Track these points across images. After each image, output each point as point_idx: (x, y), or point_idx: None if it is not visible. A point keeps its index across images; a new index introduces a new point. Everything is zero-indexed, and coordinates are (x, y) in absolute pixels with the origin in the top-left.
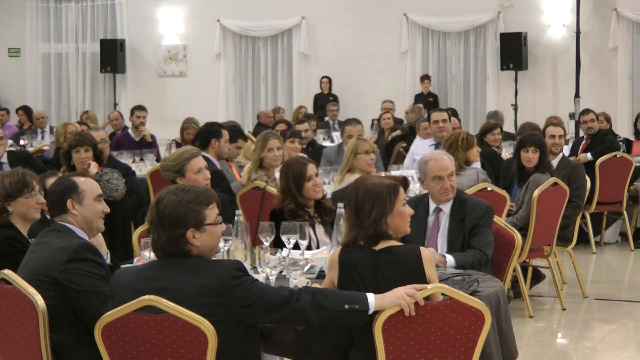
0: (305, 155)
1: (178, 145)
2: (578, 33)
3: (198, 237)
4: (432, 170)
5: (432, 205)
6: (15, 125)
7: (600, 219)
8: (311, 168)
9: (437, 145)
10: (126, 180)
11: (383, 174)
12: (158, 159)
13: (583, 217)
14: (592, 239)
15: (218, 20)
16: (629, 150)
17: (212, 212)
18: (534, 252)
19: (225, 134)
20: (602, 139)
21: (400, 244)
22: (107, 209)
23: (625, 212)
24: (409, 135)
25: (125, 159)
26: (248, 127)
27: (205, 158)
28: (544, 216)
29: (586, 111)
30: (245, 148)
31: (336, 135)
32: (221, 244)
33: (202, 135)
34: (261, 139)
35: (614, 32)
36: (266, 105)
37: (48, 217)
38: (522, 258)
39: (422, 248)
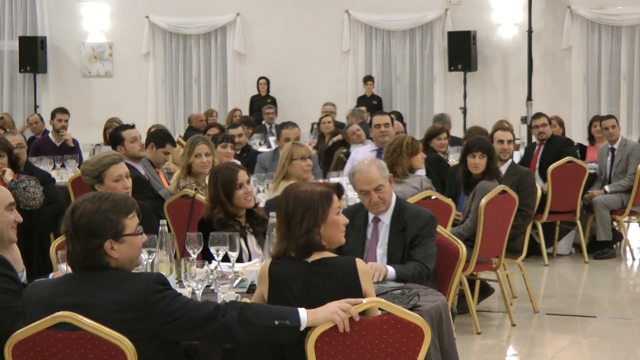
0: (237, 161)
1: (101, 149)
2: (530, 32)
3: (117, 248)
4: (357, 184)
5: (371, 215)
6: None
7: (552, 229)
8: (242, 175)
9: (379, 151)
10: (44, 188)
11: (321, 180)
12: (80, 165)
13: (534, 227)
14: (544, 251)
15: (147, 17)
16: (583, 156)
17: (131, 222)
18: (481, 265)
19: (128, 134)
20: (558, 147)
21: (334, 255)
22: (20, 218)
23: (579, 222)
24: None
25: (45, 165)
26: (179, 131)
27: (127, 164)
28: (491, 226)
29: (538, 115)
30: (174, 153)
31: (273, 140)
32: (144, 256)
33: (111, 144)
34: (189, 144)
35: (568, 31)
36: (198, 107)
37: None
38: (469, 271)
39: (357, 259)
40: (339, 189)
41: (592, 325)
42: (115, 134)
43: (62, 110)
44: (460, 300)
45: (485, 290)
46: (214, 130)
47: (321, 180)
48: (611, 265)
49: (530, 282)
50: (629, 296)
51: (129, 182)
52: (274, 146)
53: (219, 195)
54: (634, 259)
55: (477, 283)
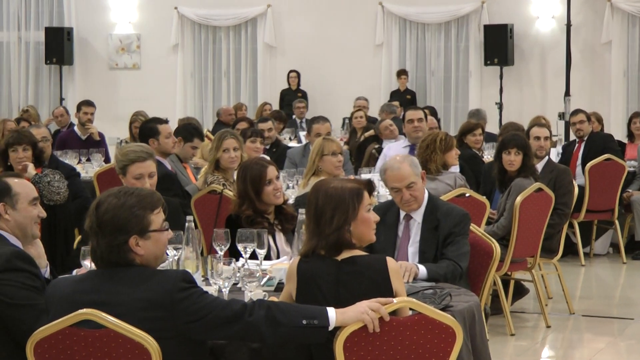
0: (266, 157)
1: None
2: (569, 26)
3: (142, 244)
4: (389, 180)
5: (402, 212)
6: None
7: (590, 228)
8: (271, 170)
9: (412, 147)
10: (69, 183)
11: (352, 177)
12: (106, 160)
13: (571, 226)
14: (581, 251)
15: (175, 8)
16: (622, 153)
17: (157, 218)
18: (516, 264)
19: (164, 128)
20: (603, 144)
21: (365, 253)
22: (43, 213)
23: (617, 222)
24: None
25: (70, 159)
26: (207, 125)
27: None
28: (527, 225)
29: (576, 112)
30: (203, 148)
31: (304, 135)
32: (171, 253)
33: (140, 138)
34: (217, 138)
35: (608, 25)
36: (227, 101)
37: None
38: (503, 270)
39: (388, 258)
40: (369, 186)
41: (629, 328)
42: (149, 126)
43: (88, 103)
44: (493, 301)
45: (520, 291)
46: (242, 125)
47: (352, 177)
48: None
49: (566, 282)
50: None
51: (150, 182)
52: (304, 141)
53: (247, 191)
54: None
55: (512, 283)
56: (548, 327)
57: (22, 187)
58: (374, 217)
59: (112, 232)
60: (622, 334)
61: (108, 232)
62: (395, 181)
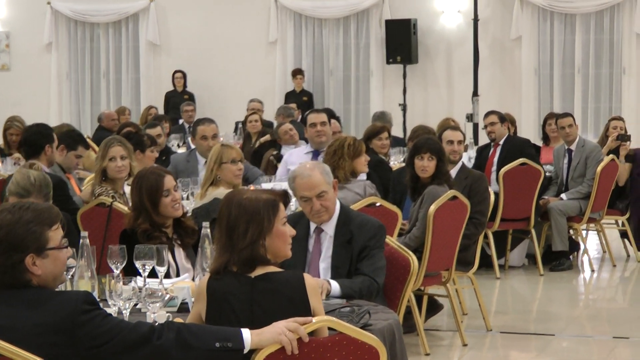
0: (160, 166)
1: (2, 154)
2: (476, 20)
3: (39, 264)
4: (298, 189)
5: (312, 225)
6: None
7: (504, 238)
8: (169, 180)
9: (315, 153)
10: None
11: (252, 187)
12: None
13: (485, 236)
14: (496, 262)
15: (48, 3)
16: (537, 158)
17: (55, 234)
18: (430, 279)
19: (56, 137)
20: (520, 148)
21: (280, 269)
22: None
23: (533, 231)
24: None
25: None
26: (86, 131)
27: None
28: (441, 235)
29: (489, 113)
30: (86, 157)
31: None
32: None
33: (33, 140)
34: (102, 146)
35: (517, 19)
36: (107, 104)
37: None
38: (416, 285)
39: (306, 275)
40: (285, 197)
41: (550, 345)
42: (50, 132)
43: None
44: (406, 318)
45: (434, 307)
46: (129, 130)
47: (252, 187)
48: (568, 278)
49: (482, 297)
50: (589, 312)
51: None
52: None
53: (143, 203)
54: (592, 270)
55: (425, 299)
56: (464, 345)
57: None
58: (290, 231)
59: (6, 250)
60: (543, 352)
61: (2, 251)
62: (305, 189)
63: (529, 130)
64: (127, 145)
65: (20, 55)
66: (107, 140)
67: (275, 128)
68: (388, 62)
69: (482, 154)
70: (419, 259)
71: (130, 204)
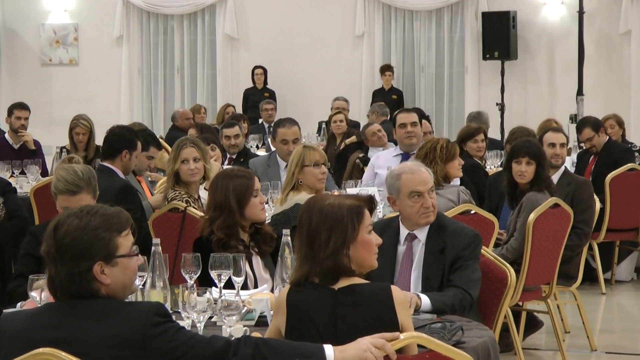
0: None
1: (69, 153)
2: (581, 13)
3: (108, 272)
4: (408, 184)
5: (404, 232)
6: None
7: (611, 250)
8: (257, 182)
9: (404, 156)
10: (4, 200)
11: (336, 192)
12: (44, 172)
13: (590, 248)
14: (601, 276)
15: None
16: None
17: (125, 241)
18: (528, 293)
19: (139, 146)
20: (616, 156)
21: (365, 281)
22: None
23: None
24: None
25: (1, 172)
26: (159, 131)
27: (108, 169)
28: (541, 247)
29: (582, 125)
30: (159, 158)
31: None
32: (135, 282)
33: (111, 141)
34: (174, 147)
35: (627, 12)
36: (182, 102)
37: None
38: (514, 300)
39: (393, 287)
40: (370, 203)
41: None
42: (132, 137)
43: (22, 106)
44: (502, 336)
45: (533, 324)
46: (192, 132)
47: (336, 192)
48: None
49: (586, 314)
50: None
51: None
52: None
53: (228, 203)
54: None
55: (523, 315)
56: None
57: None
58: (376, 240)
59: (73, 258)
60: None
61: (68, 259)
62: (417, 184)
63: (638, 133)
64: (200, 146)
65: (89, 50)
66: (179, 142)
67: (362, 128)
68: (484, 58)
69: (582, 159)
70: (517, 271)
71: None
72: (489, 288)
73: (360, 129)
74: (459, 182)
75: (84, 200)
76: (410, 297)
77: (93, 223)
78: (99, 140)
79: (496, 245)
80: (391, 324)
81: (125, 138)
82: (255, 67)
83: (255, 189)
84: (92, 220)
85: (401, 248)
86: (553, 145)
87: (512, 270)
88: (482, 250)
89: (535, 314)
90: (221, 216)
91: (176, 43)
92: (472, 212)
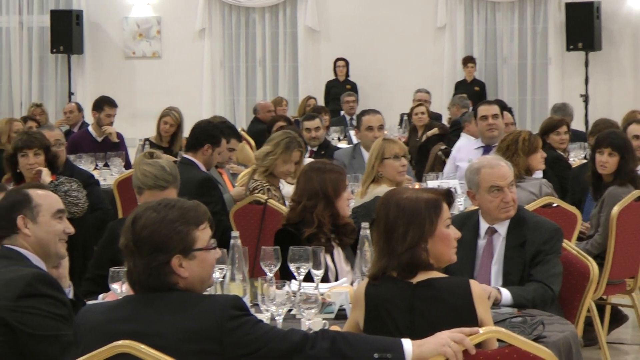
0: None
1: (153, 146)
2: None
3: (186, 265)
4: (487, 179)
5: (484, 226)
6: None
7: None
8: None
9: (485, 149)
10: (88, 192)
11: (417, 185)
12: (127, 165)
13: None
14: None
15: None
16: None
17: (203, 234)
18: (613, 287)
19: (224, 143)
20: None
21: (444, 275)
22: (71, 229)
23: None
24: (449, 134)
25: (85, 164)
26: (240, 123)
27: (190, 161)
28: (625, 240)
29: None
30: (239, 150)
31: (354, 133)
32: (215, 275)
33: (195, 134)
34: (283, 145)
35: None
36: (263, 94)
37: None
38: (598, 294)
39: (472, 281)
40: (449, 196)
41: None
42: (216, 133)
43: (112, 104)
44: (586, 330)
45: (617, 318)
46: (280, 125)
47: (417, 185)
48: None
49: None
50: None
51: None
52: (355, 140)
53: (327, 193)
54: None
55: (608, 309)
56: None
57: (45, 199)
58: (455, 234)
59: (151, 251)
60: None
61: (146, 252)
62: (497, 178)
63: None
64: (303, 150)
65: (171, 42)
66: (289, 142)
67: (465, 116)
68: (568, 49)
69: None
70: (601, 265)
71: (284, 200)
72: (570, 282)
73: (460, 118)
74: (541, 175)
75: (172, 195)
76: (489, 291)
77: (170, 216)
78: (185, 133)
79: (579, 239)
80: (470, 319)
81: (209, 133)
82: (337, 59)
83: (346, 184)
84: (170, 213)
85: (481, 242)
86: (637, 137)
87: (594, 263)
88: (563, 244)
89: (620, 307)
90: (318, 205)
91: (258, 36)
92: (555, 204)
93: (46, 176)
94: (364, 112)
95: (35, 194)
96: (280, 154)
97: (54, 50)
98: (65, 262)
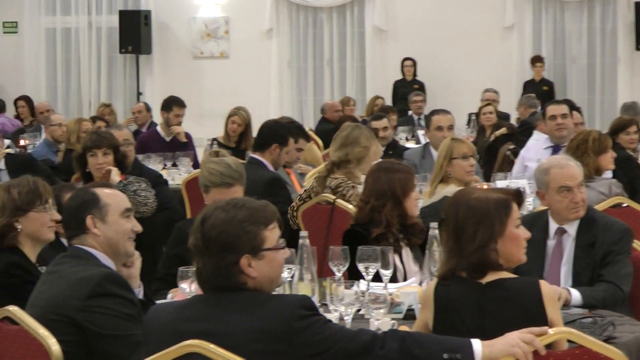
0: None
1: (221, 145)
2: None
3: (255, 265)
4: (556, 179)
5: (553, 226)
6: (11, 120)
7: None
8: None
9: (554, 148)
10: (156, 192)
11: (486, 185)
12: (195, 165)
13: None
14: None
15: None
16: None
17: (272, 234)
18: None
19: (292, 143)
20: None
21: (513, 276)
22: (139, 227)
23: None
24: (517, 134)
25: (153, 164)
26: (309, 124)
27: (258, 161)
28: None
29: None
30: (307, 150)
31: (422, 133)
32: (283, 275)
33: (265, 135)
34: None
35: None
36: (331, 94)
37: (62, 240)
38: None
39: (542, 281)
40: (518, 196)
41: None
42: (284, 133)
43: (181, 104)
44: None
45: None
46: (348, 124)
47: (485, 185)
48: None
49: None
50: None
51: None
52: (423, 141)
53: (395, 193)
54: None
55: None
56: None
57: (113, 197)
58: (524, 234)
59: (220, 251)
60: None
61: (215, 252)
62: (567, 179)
63: None
64: None
65: (239, 42)
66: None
67: (538, 115)
68: (637, 49)
69: None
70: None
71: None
72: None
73: (530, 118)
74: (611, 175)
75: (238, 193)
76: (560, 292)
77: (239, 216)
78: (253, 133)
79: None
80: (539, 319)
81: (277, 133)
82: (405, 59)
83: (414, 184)
84: (239, 213)
85: (551, 242)
86: None
87: None
88: (634, 244)
89: None
90: (386, 205)
91: (325, 35)
92: (624, 205)
93: (115, 176)
94: (434, 112)
95: (103, 193)
96: (372, 146)
97: (123, 50)
98: (138, 263)
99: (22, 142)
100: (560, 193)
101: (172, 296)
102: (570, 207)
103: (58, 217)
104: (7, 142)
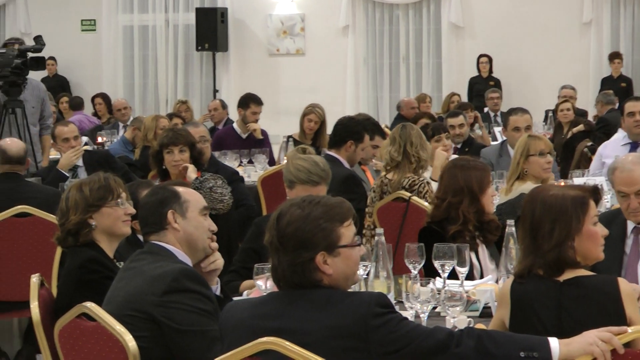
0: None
1: (297, 143)
2: None
3: (330, 262)
4: (617, 182)
5: (630, 224)
6: (88, 117)
7: None
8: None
9: (633, 145)
10: (232, 189)
11: (562, 182)
12: (271, 162)
13: None
14: None
15: None
16: None
17: (348, 231)
18: None
19: (367, 139)
20: None
21: (591, 273)
22: (214, 227)
23: None
24: (595, 131)
25: (229, 161)
26: (385, 120)
27: (333, 158)
28: None
29: None
30: (383, 147)
31: (499, 130)
32: (359, 272)
33: (340, 132)
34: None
35: None
36: (407, 91)
37: (138, 236)
38: None
39: (620, 279)
40: (596, 193)
41: None
42: (359, 130)
43: (259, 102)
44: None
45: None
46: (423, 122)
47: (562, 182)
48: None
49: None
50: None
51: None
52: (499, 138)
53: (472, 189)
54: None
55: None
56: None
57: (192, 195)
58: (602, 231)
59: (296, 248)
60: None
61: (291, 249)
62: (623, 184)
63: None
64: None
65: (315, 39)
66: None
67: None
68: None
69: None
70: None
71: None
72: None
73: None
74: None
75: (322, 191)
76: (639, 290)
77: (315, 213)
78: (328, 130)
79: None
80: (618, 318)
81: (351, 129)
82: (481, 56)
83: (490, 180)
84: (314, 210)
85: (629, 241)
86: None
87: None
88: None
89: None
90: (463, 201)
91: (401, 32)
92: None
93: (192, 173)
94: (512, 112)
95: (182, 190)
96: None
97: (199, 47)
98: (220, 262)
99: (99, 139)
100: (619, 196)
101: (248, 293)
102: (628, 210)
103: (132, 210)
104: (84, 139)
